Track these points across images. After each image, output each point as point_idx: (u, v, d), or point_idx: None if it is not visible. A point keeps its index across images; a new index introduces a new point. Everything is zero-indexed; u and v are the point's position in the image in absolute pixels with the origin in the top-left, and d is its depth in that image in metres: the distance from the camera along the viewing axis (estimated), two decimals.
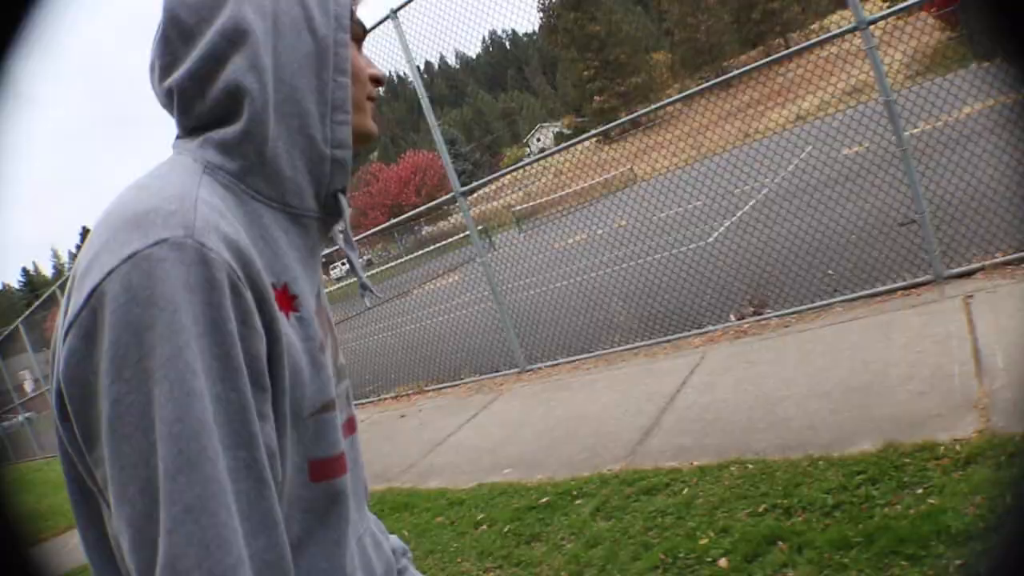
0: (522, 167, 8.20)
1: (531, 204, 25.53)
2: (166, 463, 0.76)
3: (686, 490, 3.71)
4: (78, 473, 0.90)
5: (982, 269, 5.17)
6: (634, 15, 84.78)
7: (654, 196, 8.39)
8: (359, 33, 1.11)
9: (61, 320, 0.84)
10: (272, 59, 0.97)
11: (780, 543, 2.96)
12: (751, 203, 12.07)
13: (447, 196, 7.84)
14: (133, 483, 0.77)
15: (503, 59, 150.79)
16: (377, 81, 1.13)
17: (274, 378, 0.89)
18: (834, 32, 5.55)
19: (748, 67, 6.27)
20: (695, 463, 3.99)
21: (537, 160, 7.96)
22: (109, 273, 0.79)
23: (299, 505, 0.96)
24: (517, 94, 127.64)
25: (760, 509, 3.28)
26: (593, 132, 7.43)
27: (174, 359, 0.77)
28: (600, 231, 11.43)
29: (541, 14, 70.37)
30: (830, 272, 6.45)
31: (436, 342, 10.04)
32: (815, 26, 53.22)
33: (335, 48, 1.03)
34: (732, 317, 6.35)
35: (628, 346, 6.83)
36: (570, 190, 18.75)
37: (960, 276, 5.24)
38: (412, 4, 7.37)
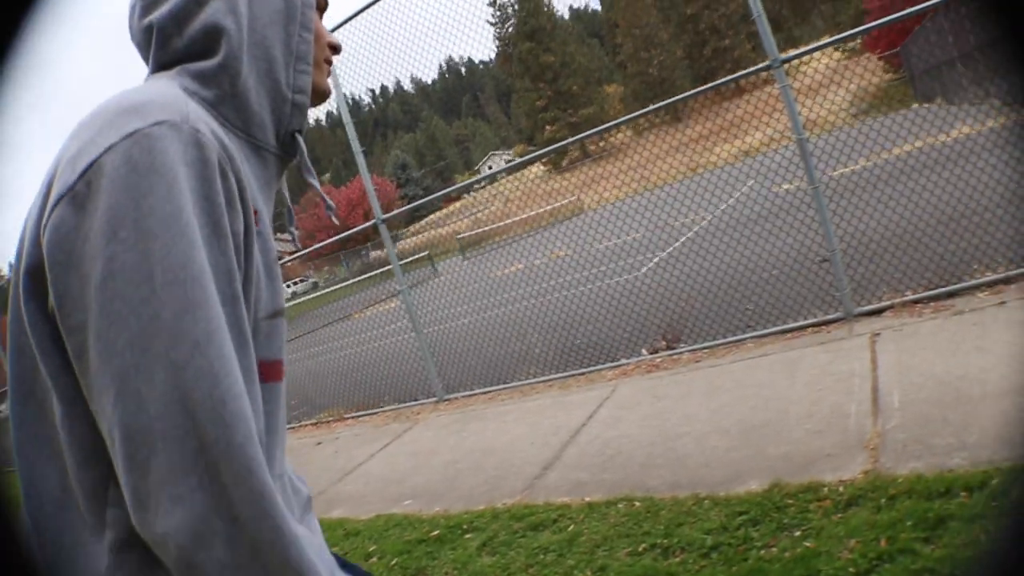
0: (446, 194, 8.11)
1: (479, 231, 25.52)
2: (171, 306, 0.83)
3: (572, 527, 3.63)
4: (29, 363, 0.94)
5: (891, 307, 5.20)
6: (588, 47, 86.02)
7: (597, 226, 8.36)
8: (322, 3, 1.26)
9: (36, 207, 0.91)
10: (247, 9, 1.10)
11: None
12: (686, 236, 12.15)
13: (368, 223, 7.74)
14: (122, 336, 0.82)
15: (458, 85, 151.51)
16: (334, 48, 1.28)
17: (246, 267, 0.97)
18: (750, 70, 5.57)
19: (686, 94, 6.24)
20: (586, 499, 3.91)
21: (466, 186, 7.90)
22: (109, 149, 0.86)
23: None
24: (471, 121, 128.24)
25: (640, 548, 3.20)
26: (535, 154, 7.41)
27: (176, 216, 0.85)
28: (539, 261, 11.41)
29: (497, 42, 71.10)
30: (748, 307, 6.45)
31: (362, 369, 9.89)
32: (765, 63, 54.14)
33: (302, 8, 1.17)
34: (644, 351, 6.32)
35: (543, 378, 6.75)
36: (518, 218, 18.78)
37: (870, 314, 5.26)
38: (362, 27, 7.27)
